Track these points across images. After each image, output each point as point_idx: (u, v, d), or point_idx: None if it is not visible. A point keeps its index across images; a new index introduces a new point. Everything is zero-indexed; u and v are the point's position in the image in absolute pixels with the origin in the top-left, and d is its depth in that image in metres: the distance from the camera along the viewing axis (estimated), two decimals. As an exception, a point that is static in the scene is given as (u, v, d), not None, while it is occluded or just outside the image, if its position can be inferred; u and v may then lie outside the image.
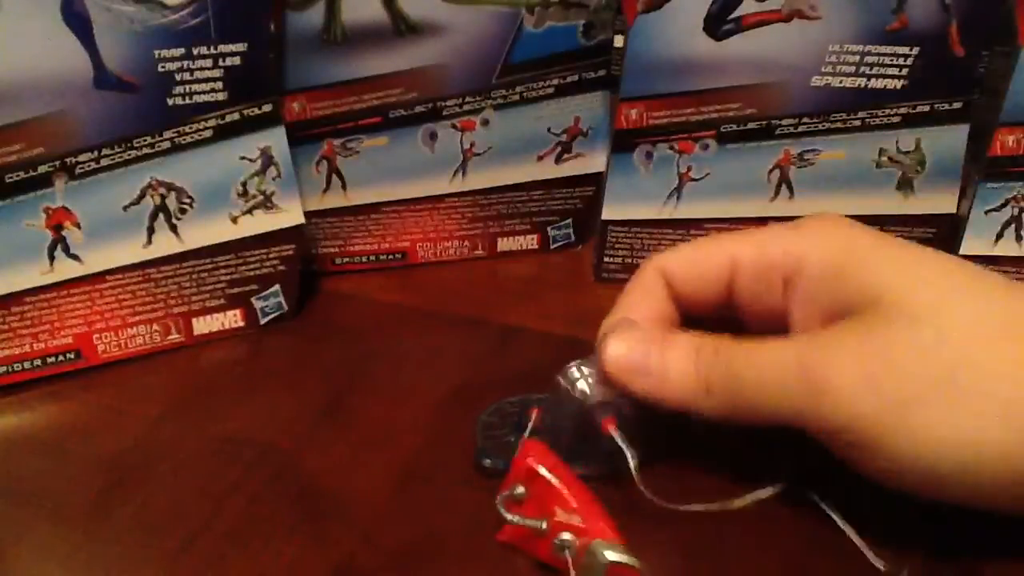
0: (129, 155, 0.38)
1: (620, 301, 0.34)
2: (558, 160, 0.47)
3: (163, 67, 0.37)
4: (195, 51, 0.37)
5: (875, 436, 0.27)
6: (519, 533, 0.30)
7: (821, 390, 0.27)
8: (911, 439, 0.27)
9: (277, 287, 0.43)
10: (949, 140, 0.43)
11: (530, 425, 0.33)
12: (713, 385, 0.30)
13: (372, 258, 0.48)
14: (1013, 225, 0.43)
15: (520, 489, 0.30)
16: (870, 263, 0.29)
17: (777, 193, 0.45)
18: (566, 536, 0.29)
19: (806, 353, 0.28)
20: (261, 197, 0.41)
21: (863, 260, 0.29)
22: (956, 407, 0.26)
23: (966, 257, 0.43)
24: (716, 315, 0.34)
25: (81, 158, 0.37)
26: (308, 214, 0.43)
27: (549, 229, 0.49)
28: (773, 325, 0.32)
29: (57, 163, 0.37)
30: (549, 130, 0.47)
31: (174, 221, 0.40)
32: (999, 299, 0.28)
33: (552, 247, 0.50)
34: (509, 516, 0.30)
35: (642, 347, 0.31)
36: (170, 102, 0.38)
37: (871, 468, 0.28)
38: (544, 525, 0.29)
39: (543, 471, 0.30)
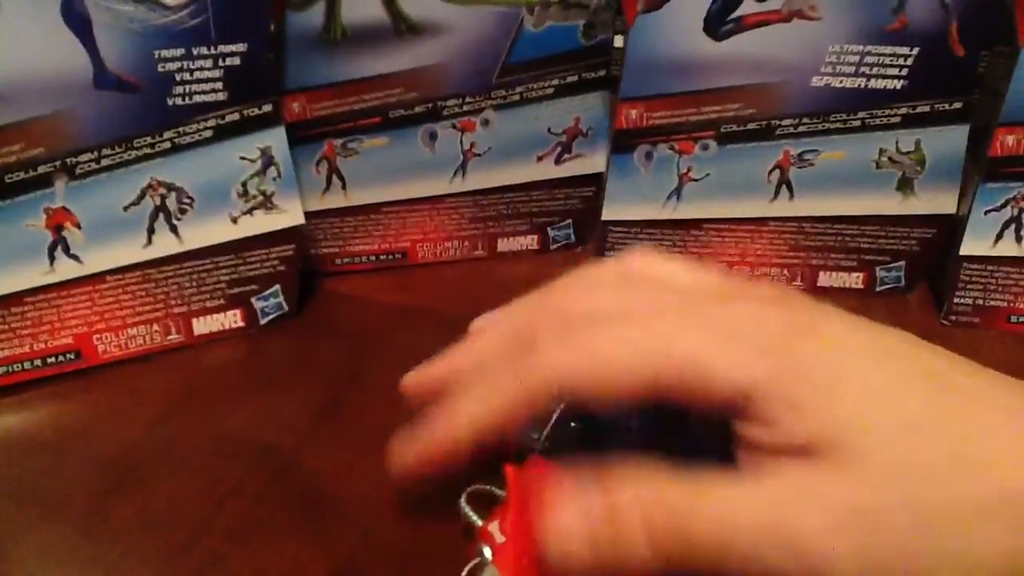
0: (129, 155, 0.38)
1: (491, 405, 0.28)
2: (558, 160, 0.47)
3: (163, 67, 0.37)
4: (195, 51, 0.37)
5: None
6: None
7: (806, 558, 0.24)
8: None
9: (277, 287, 0.43)
10: (949, 140, 0.43)
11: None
12: (673, 558, 0.25)
13: (372, 258, 0.48)
14: (1013, 225, 0.43)
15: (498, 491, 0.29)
16: (830, 396, 0.25)
17: (777, 193, 0.45)
18: (485, 548, 0.27)
19: (778, 513, 0.25)
20: (261, 197, 0.41)
21: (821, 392, 0.25)
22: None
23: (966, 257, 0.44)
24: None
25: (81, 158, 0.37)
26: (308, 214, 0.43)
27: (549, 229, 0.49)
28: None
29: (57, 163, 0.37)
30: (549, 130, 0.47)
31: (174, 221, 0.40)
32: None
33: (552, 247, 0.50)
34: (461, 502, 0.29)
35: (586, 534, 0.26)
36: (170, 102, 0.38)
37: None
38: (479, 523, 0.28)
39: (511, 481, 0.28)
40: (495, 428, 0.28)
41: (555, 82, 0.45)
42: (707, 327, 0.27)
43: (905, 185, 0.44)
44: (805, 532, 0.24)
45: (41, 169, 0.37)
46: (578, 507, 0.26)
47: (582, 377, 0.27)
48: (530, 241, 0.50)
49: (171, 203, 0.40)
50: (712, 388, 0.26)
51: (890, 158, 0.44)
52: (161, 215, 0.40)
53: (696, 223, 0.46)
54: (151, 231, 0.40)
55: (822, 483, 0.25)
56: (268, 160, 0.41)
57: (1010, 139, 0.41)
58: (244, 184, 0.41)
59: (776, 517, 0.25)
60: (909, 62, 0.41)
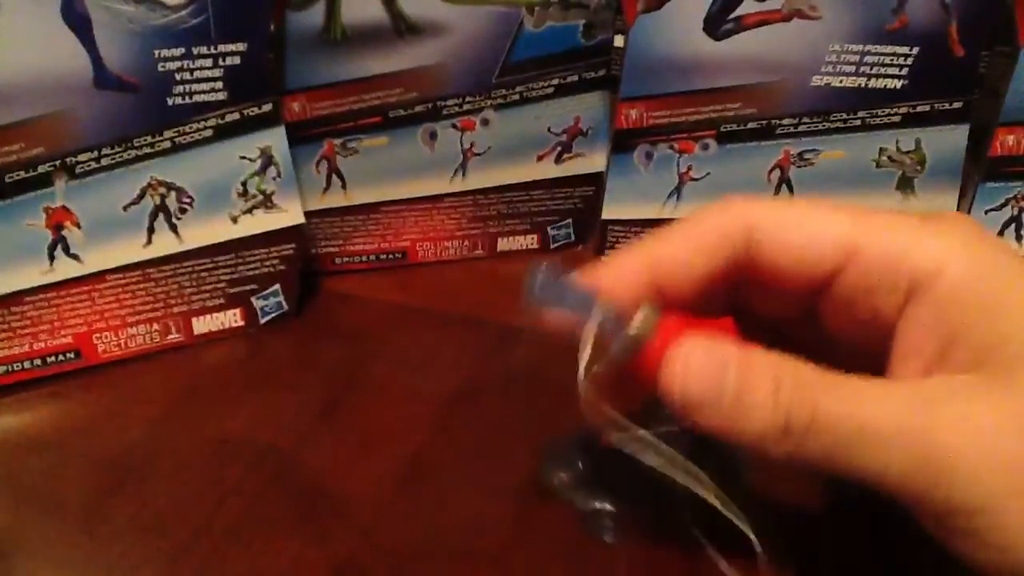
0: (129, 155, 0.38)
1: (670, 235, 0.27)
2: (558, 160, 0.47)
3: (163, 67, 0.37)
4: (195, 51, 0.37)
5: (999, 528, 0.22)
6: None
7: (935, 468, 0.22)
8: None
9: (277, 287, 0.43)
10: (949, 140, 0.43)
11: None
12: (793, 428, 0.24)
13: (372, 258, 0.48)
14: (1013, 225, 0.43)
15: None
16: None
17: (777, 193, 0.45)
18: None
19: (918, 414, 0.23)
20: (261, 197, 0.41)
21: (1019, 294, 0.23)
22: None
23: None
24: (776, 317, 0.27)
25: (81, 158, 0.37)
26: (308, 214, 0.43)
27: (549, 229, 0.49)
28: (855, 343, 0.26)
29: (57, 163, 0.37)
30: (549, 130, 0.47)
31: (174, 221, 0.40)
32: None
33: (552, 247, 0.50)
34: None
35: (718, 368, 0.24)
36: (170, 102, 0.38)
37: (980, 557, 0.23)
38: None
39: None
40: (683, 263, 0.26)
41: (555, 82, 0.45)
42: (905, 219, 0.25)
43: (905, 184, 0.44)
44: (941, 442, 0.22)
45: (41, 169, 0.37)
46: (709, 348, 0.25)
47: (777, 226, 0.25)
48: (530, 240, 0.50)
49: (171, 202, 0.40)
50: (907, 265, 0.24)
51: (890, 157, 0.44)
52: (161, 214, 0.40)
53: (696, 223, 0.46)
54: (151, 230, 0.40)
55: (975, 392, 0.23)
56: (268, 160, 0.41)
57: (1010, 139, 0.41)
58: (244, 184, 0.41)
59: (913, 420, 0.23)
60: (909, 62, 0.41)
